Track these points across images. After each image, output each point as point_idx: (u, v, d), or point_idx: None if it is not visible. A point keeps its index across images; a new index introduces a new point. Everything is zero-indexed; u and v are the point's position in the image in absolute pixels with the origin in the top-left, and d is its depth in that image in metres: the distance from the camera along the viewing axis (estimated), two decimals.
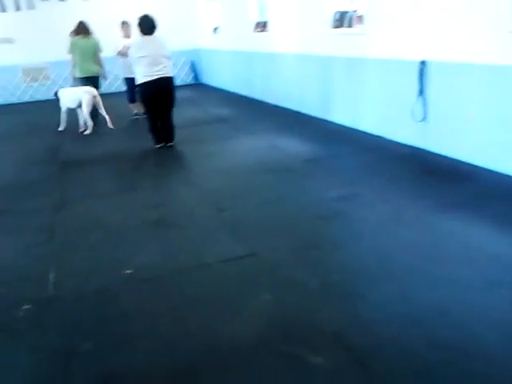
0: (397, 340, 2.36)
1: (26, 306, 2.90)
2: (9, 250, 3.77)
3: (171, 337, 2.55)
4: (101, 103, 8.09)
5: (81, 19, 8.88)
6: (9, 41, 12.92)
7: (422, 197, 4.18)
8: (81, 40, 8.64)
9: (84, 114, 7.97)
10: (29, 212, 4.57)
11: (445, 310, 2.55)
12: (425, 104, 5.40)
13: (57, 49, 13.00)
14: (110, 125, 8.14)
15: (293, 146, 6.27)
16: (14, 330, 2.72)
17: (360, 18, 6.55)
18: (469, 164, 4.87)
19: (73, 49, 8.66)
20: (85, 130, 8.08)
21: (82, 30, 8.62)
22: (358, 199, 4.25)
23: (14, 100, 13.28)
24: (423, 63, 5.30)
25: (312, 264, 3.20)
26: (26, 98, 13.41)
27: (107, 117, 8.14)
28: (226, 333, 2.54)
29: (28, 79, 13.40)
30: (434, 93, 5.29)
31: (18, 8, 12.91)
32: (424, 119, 5.44)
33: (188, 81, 14.67)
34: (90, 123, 7.99)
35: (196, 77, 14.93)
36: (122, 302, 2.92)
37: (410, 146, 5.70)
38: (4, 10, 12.82)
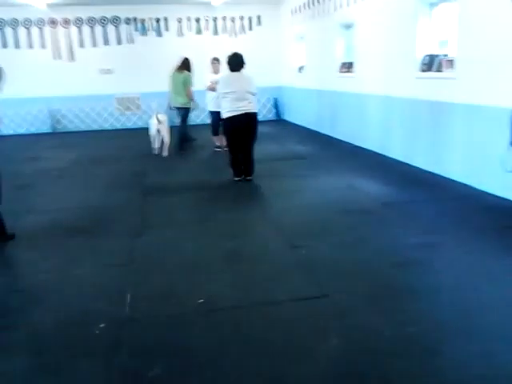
0: None
1: (102, 325, 3.01)
2: (90, 268, 3.96)
3: (236, 371, 2.53)
4: (164, 130, 9.07)
5: (186, 56, 9.70)
6: (108, 72, 13.94)
7: (508, 252, 3.93)
8: (175, 74, 9.45)
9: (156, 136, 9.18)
10: (111, 234, 4.79)
11: None
12: None
13: (149, 80, 13.91)
14: (164, 152, 9.08)
15: (372, 188, 6.17)
16: (88, 346, 2.82)
17: (450, 62, 6.41)
18: None
19: (169, 81, 9.60)
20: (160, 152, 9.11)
21: (181, 65, 9.49)
22: (438, 249, 4.07)
23: (107, 127, 14.22)
24: None
25: (386, 312, 3.08)
26: (118, 126, 14.31)
27: (166, 143, 9.11)
28: (291, 374, 2.48)
29: (121, 108, 14.31)
30: None
31: (119, 42, 13.94)
32: None
33: (269, 117, 14.98)
34: (156, 145, 9.18)
35: (278, 113, 15.22)
36: (191, 331, 2.95)
37: (498, 197, 5.41)
38: (107, 43, 13.88)
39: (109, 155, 9.61)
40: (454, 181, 6.23)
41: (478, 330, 2.82)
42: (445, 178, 6.43)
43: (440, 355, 2.60)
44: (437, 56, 6.84)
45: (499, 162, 5.30)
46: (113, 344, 2.82)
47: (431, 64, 6.89)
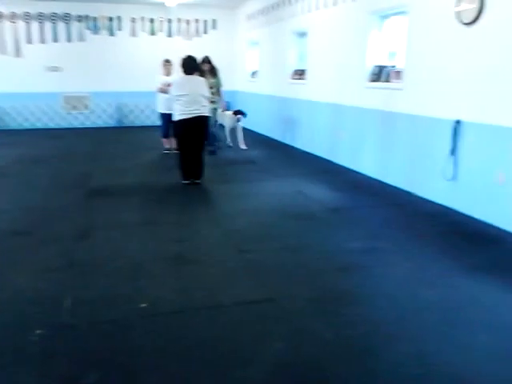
0: None
1: (38, 331, 2.90)
2: (27, 272, 3.81)
3: (180, 375, 2.50)
4: None
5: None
6: (56, 69, 13.52)
7: (446, 257, 4.09)
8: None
9: None
10: (51, 236, 4.63)
11: (462, 378, 2.45)
12: (456, 163, 5.36)
13: (100, 80, 13.61)
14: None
15: (319, 194, 6.27)
16: (24, 353, 2.71)
17: (398, 73, 6.62)
18: (497, 228, 4.76)
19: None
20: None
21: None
22: (380, 253, 4.19)
23: (52, 125, 13.77)
24: (458, 122, 5.30)
25: (329, 316, 3.13)
26: (65, 125, 13.89)
27: None
28: (234, 378, 2.48)
29: (68, 107, 13.90)
30: (466, 153, 5.25)
31: (69, 39, 13.55)
32: (454, 178, 5.39)
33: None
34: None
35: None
36: (133, 336, 2.89)
37: (438, 204, 5.62)
38: (56, 40, 13.46)
39: (53, 155, 9.31)
40: (397, 188, 6.43)
41: (413, 332, 2.91)
42: (389, 185, 6.62)
43: (377, 357, 2.67)
44: (385, 67, 7.06)
45: (440, 171, 5.51)
46: (49, 351, 2.73)
47: (380, 74, 7.09)
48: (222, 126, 10.16)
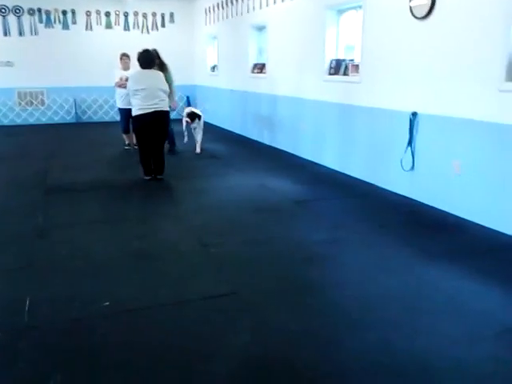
0: None
1: None
2: None
3: (145, 372, 2.47)
4: None
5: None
6: (8, 64, 13.04)
7: (407, 245, 4.19)
8: None
9: None
10: (9, 237, 4.49)
11: (425, 363, 2.51)
12: (413, 154, 5.49)
13: (55, 75, 13.23)
14: None
15: (282, 187, 6.30)
16: None
17: (356, 66, 6.72)
18: (455, 216, 4.91)
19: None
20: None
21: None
22: (343, 244, 4.25)
23: (6, 122, 13.29)
24: (414, 114, 5.42)
25: (293, 307, 3.15)
26: (19, 121, 13.44)
27: None
28: (200, 371, 2.47)
29: (23, 103, 13.45)
30: (423, 144, 5.39)
31: (21, 33, 13.09)
32: (412, 169, 5.52)
33: (183, 115, 14.79)
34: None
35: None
36: (97, 335, 2.84)
37: (398, 195, 5.75)
38: (8, 34, 12.98)
39: (8, 153, 9.02)
40: (358, 179, 6.54)
41: (376, 320, 2.97)
42: (351, 176, 6.73)
43: (341, 345, 2.71)
44: (343, 60, 7.14)
45: (399, 162, 5.63)
46: (10, 354, 2.64)
47: (338, 68, 7.17)
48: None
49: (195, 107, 14.78)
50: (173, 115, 8.77)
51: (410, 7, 5.40)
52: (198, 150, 8.78)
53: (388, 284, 3.46)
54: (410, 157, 5.51)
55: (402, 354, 2.61)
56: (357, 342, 2.73)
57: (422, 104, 5.35)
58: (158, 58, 7.89)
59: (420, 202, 5.41)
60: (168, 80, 7.79)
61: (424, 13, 5.20)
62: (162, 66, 7.95)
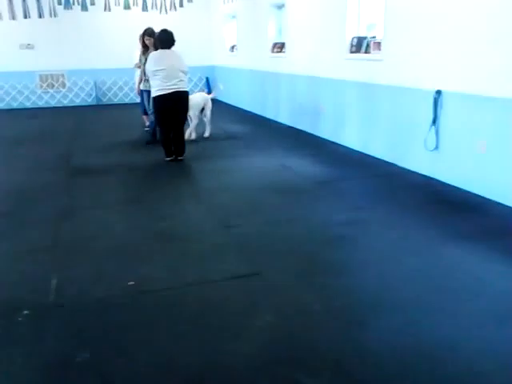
0: (399, 372, 2.31)
1: (25, 312, 2.87)
2: (12, 254, 3.76)
3: (170, 351, 2.50)
4: None
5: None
6: (29, 47, 13.13)
7: (430, 226, 4.14)
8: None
9: None
10: (34, 217, 4.56)
11: (451, 344, 2.50)
12: (438, 133, 5.38)
13: (75, 57, 13.28)
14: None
15: (303, 167, 6.26)
16: (12, 334, 2.69)
17: (378, 44, 6.59)
18: (480, 196, 4.82)
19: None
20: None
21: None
22: (365, 225, 4.21)
23: (28, 105, 13.44)
24: (438, 93, 5.30)
25: (316, 288, 3.15)
26: (41, 104, 13.58)
27: None
28: (225, 351, 2.49)
29: (44, 85, 13.56)
30: (447, 123, 5.28)
31: (41, 15, 13.11)
32: (436, 148, 5.42)
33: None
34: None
35: (210, 93, 15.02)
36: (122, 313, 2.88)
37: (421, 175, 5.67)
38: (27, 16, 13.02)
39: (32, 135, 9.13)
40: (380, 159, 6.46)
41: (401, 302, 2.95)
42: (372, 156, 6.64)
43: (366, 327, 2.70)
44: (365, 38, 7.00)
45: (422, 142, 5.54)
46: (37, 331, 2.70)
47: (360, 46, 7.04)
48: None
49: (214, 88, 14.71)
50: None
51: None
52: (207, 133, 8.39)
53: (412, 264, 3.42)
54: (434, 136, 5.41)
55: (427, 335, 2.59)
56: (381, 323, 2.72)
57: (447, 82, 5.23)
58: (153, 36, 7.32)
59: (444, 183, 5.32)
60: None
61: None
62: (157, 47, 7.16)
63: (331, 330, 2.67)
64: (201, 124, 8.27)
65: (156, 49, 7.04)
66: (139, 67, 8.45)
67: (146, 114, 8.92)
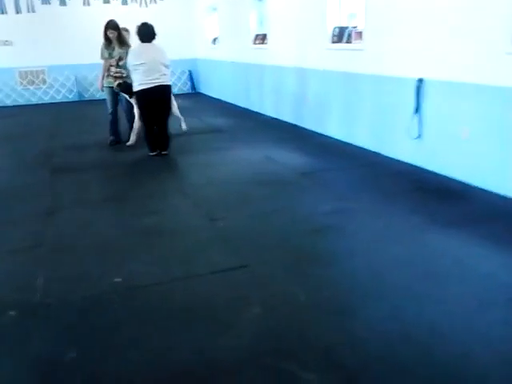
0: (388, 358, 2.33)
1: (11, 312, 2.84)
2: None
3: (159, 347, 2.50)
4: None
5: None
6: (7, 43, 12.91)
7: (415, 214, 4.17)
8: None
9: None
10: (17, 217, 4.51)
11: (437, 329, 2.53)
12: (420, 122, 5.42)
13: (55, 53, 13.09)
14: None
15: (288, 159, 6.27)
16: None
17: (359, 33, 6.59)
18: (463, 183, 4.88)
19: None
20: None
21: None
22: (351, 214, 4.24)
23: (8, 103, 13.23)
24: (420, 81, 5.33)
25: (303, 279, 3.16)
26: (22, 102, 13.37)
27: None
28: (214, 345, 2.49)
29: (24, 82, 13.36)
30: (429, 111, 5.31)
31: (18, 11, 12.91)
32: (419, 137, 5.46)
33: (185, 90, 14.72)
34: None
35: (193, 86, 14.97)
36: (109, 311, 2.87)
37: (405, 163, 5.71)
38: (4, 12, 12.81)
39: (12, 133, 8.99)
40: (364, 149, 6.49)
41: (387, 289, 2.98)
42: (356, 146, 6.67)
43: (354, 315, 2.73)
44: (346, 28, 7.01)
45: (405, 130, 5.57)
46: (24, 331, 2.68)
47: (341, 36, 7.05)
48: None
49: (196, 83, 14.62)
50: None
51: None
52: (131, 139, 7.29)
53: (397, 252, 3.46)
54: (417, 124, 5.45)
55: (413, 320, 2.62)
56: (368, 311, 2.74)
57: (429, 70, 5.26)
58: (116, 29, 7.15)
59: (427, 170, 5.37)
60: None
61: None
62: (121, 38, 7.23)
63: (319, 320, 2.69)
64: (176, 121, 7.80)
65: (120, 42, 7.03)
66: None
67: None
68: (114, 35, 7.14)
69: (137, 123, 7.12)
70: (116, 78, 7.12)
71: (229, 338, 2.55)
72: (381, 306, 2.78)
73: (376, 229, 3.90)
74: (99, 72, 7.63)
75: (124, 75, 7.10)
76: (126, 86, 7.00)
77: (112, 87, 7.25)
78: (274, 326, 2.65)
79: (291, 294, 2.96)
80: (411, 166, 5.60)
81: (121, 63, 7.13)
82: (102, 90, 7.62)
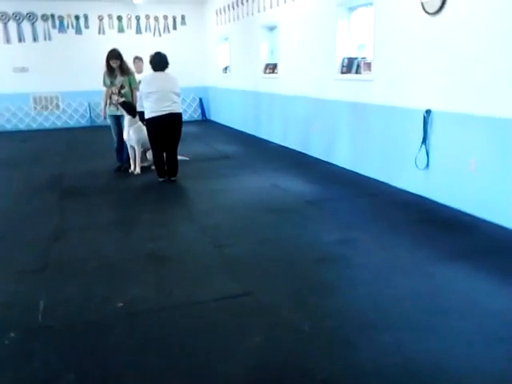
0: None
1: (12, 334, 2.84)
2: (0, 276, 3.73)
3: (160, 374, 2.48)
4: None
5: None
6: (23, 70, 13.23)
7: (421, 245, 4.14)
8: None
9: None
10: (25, 239, 4.54)
11: (441, 364, 2.48)
12: (428, 152, 5.43)
13: (69, 79, 13.37)
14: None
15: (295, 187, 6.28)
16: None
17: (368, 64, 6.67)
18: (470, 215, 4.84)
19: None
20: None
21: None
22: (356, 244, 4.22)
23: (22, 127, 13.48)
24: (428, 112, 5.36)
25: (306, 308, 3.14)
26: (35, 126, 13.62)
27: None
28: (215, 373, 2.47)
29: (38, 107, 13.63)
30: (437, 142, 5.33)
31: (35, 39, 13.27)
32: (427, 167, 5.46)
33: (195, 117, 14.92)
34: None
35: (203, 113, 15.17)
36: (111, 335, 2.85)
37: (412, 194, 5.69)
38: (22, 40, 13.17)
39: (24, 157, 9.14)
40: (371, 178, 6.49)
41: (390, 321, 2.94)
42: (363, 175, 6.68)
43: (355, 347, 2.68)
44: (355, 59, 7.10)
45: (413, 160, 5.58)
46: (23, 353, 2.67)
47: (350, 66, 7.14)
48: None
49: (206, 110, 14.78)
50: None
51: (422, 3, 5.35)
52: (136, 169, 7.28)
53: (402, 284, 3.42)
54: (425, 155, 5.45)
55: (417, 355, 2.57)
56: (371, 343, 2.70)
57: (436, 101, 5.29)
58: (119, 58, 7.17)
59: (434, 201, 5.35)
60: (131, 85, 7.25)
61: (436, 8, 5.14)
62: (123, 67, 7.25)
63: (320, 350, 2.65)
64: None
65: (122, 70, 7.11)
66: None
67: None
68: (116, 64, 7.18)
69: (137, 152, 7.19)
70: (118, 106, 7.16)
71: (229, 366, 2.52)
72: (384, 339, 2.74)
73: (381, 260, 3.87)
74: (101, 99, 7.72)
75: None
76: (130, 105, 7.06)
77: (115, 116, 7.33)
78: (274, 355, 2.62)
79: (294, 323, 2.93)
80: (418, 196, 5.59)
81: (123, 91, 7.19)
82: (105, 118, 7.66)
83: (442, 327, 2.85)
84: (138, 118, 7.08)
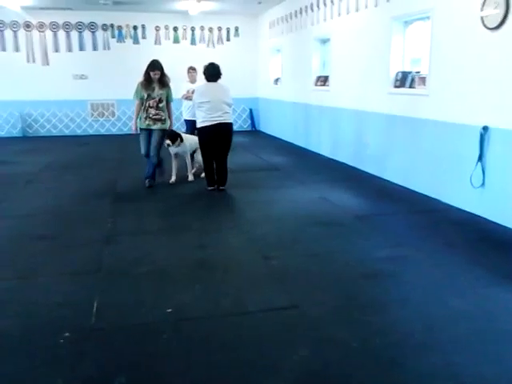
0: None
1: (66, 334, 2.94)
2: (56, 276, 3.88)
3: (205, 380, 2.50)
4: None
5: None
6: (82, 77, 13.80)
7: (475, 265, 4.01)
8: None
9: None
10: (79, 241, 4.71)
11: None
12: (484, 170, 5.26)
13: (125, 87, 13.77)
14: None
15: (344, 201, 6.22)
16: (52, 355, 2.75)
17: (422, 79, 6.56)
18: None
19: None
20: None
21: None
22: (407, 261, 4.13)
23: (79, 132, 14.04)
24: (485, 129, 5.21)
25: (354, 324, 3.09)
26: (91, 132, 14.15)
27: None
28: None
29: (95, 114, 14.16)
30: (494, 160, 5.16)
31: (95, 48, 13.84)
32: (482, 185, 5.29)
33: (245, 127, 15.06)
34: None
35: (253, 124, 15.29)
36: (160, 340, 2.91)
37: (466, 212, 5.53)
38: (83, 49, 13.76)
39: (80, 162, 9.49)
40: (424, 195, 6.35)
41: (441, 343, 2.85)
42: (415, 191, 6.54)
43: (404, 367, 2.62)
44: (409, 73, 6.99)
45: (468, 178, 5.42)
46: (77, 353, 2.76)
47: (404, 80, 7.03)
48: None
49: (256, 121, 14.90)
50: None
51: (482, 17, 5.22)
52: (190, 177, 7.50)
53: (455, 304, 3.32)
54: (481, 173, 5.29)
55: (469, 379, 2.49)
56: (420, 365, 2.63)
57: (494, 118, 5.13)
58: (160, 69, 6.92)
59: (490, 221, 5.17)
60: (169, 98, 7.05)
61: (496, 23, 5.01)
62: (163, 80, 6.98)
63: (367, 369, 2.61)
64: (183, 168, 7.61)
65: (161, 83, 6.84)
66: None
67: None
68: (157, 76, 6.88)
69: (188, 160, 7.40)
70: (155, 120, 6.89)
71: (273, 379, 2.52)
72: (434, 361, 2.66)
73: (434, 278, 3.77)
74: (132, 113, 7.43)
75: (163, 118, 6.95)
76: (176, 135, 7.12)
77: (148, 129, 6.96)
78: (319, 370, 2.59)
79: (340, 338, 2.90)
80: (473, 215, 5.42)
81: (161, 105, 6.93)
82: (136, 131, 7.24)
83: (495, 351, 2.74)
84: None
